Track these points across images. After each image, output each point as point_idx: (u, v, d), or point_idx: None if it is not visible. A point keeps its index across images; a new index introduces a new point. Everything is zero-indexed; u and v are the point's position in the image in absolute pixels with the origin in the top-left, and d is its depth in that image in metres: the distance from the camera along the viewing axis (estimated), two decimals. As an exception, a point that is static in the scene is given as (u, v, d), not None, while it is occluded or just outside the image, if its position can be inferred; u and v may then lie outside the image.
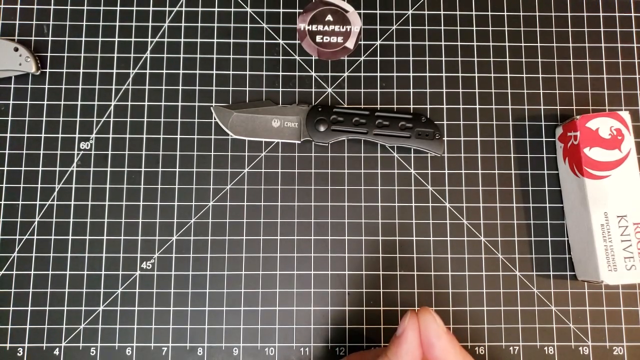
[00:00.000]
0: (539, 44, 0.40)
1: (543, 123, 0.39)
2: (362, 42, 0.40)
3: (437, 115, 0.39)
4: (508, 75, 0.40)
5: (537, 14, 0.40)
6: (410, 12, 0.40)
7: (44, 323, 0.37)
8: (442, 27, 0.40)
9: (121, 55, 0.39)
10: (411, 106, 0.39)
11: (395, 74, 0.40)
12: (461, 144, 0.39)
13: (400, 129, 0.38)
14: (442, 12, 0.40)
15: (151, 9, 0.40)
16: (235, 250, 0.38)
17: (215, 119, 0.39)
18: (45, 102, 0.39)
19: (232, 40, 0.40)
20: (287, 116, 0.38)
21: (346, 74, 0.40)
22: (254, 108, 0.39)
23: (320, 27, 0.40)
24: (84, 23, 0.40)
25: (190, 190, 0.38)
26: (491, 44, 0.40)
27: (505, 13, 0.40)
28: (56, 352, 0.36)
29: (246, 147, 0.39)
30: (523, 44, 0.40)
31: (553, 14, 0.41)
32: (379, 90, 0.39)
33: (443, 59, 0.40)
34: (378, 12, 0.40)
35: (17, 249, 0.37)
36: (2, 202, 0.38)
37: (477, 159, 0.39)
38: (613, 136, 0.35)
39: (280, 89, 0.39)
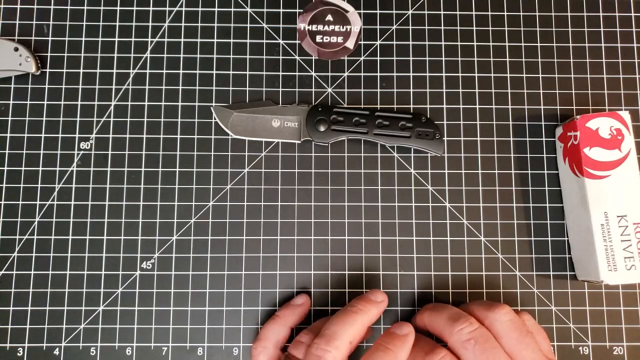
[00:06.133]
0: (539, 44, 0.40)
1: (543, 123, 0.39)
2: (362, 42, 0.40)
3: (437, 115, 0.39)
4: (508, 75, 0.40)
5: (537, 14, 0.40)
6: (410, 12, 0.40)
7: (44, 323, 0.37)
8: (442, 27, 0.40)
9: (121, 55, 0.39)
10: (411, 106, 0.39)
11: (395, 74, 0.40)
12: (461, 144, 0.39)
13: (400, 128, 0.38)
14: (442, 12, 0.40)
15: (151, 9, 0.40)
16: (235, 250, 0.38)
17: (215, 119, 0.39)
18: (45, 102, 0.39)
19: (232, 40, 0.40)
20: (287, 116, 0.38)
21: (346, 74, 0.40)
22: (254, 108, 0.39)
23: (320, 27, 0.40)
24: (84, 23, 0.40)
25: (190, 190, 0.38)
26: (491, 44, 0.40)
27: (505, 13, 0.40)
28: (56, 352, 0.36)
29: (246, 147, 0.39)
30: (523, 44, 0.40)
31: (553, 14, 0.40)
32: (379, 90, 0.39)
33: (443, 59, 0.40)
34: (378, 12, 0.40)
35: (17, 249, 0.37)
36: (2, 202, 0.38)
37: (477, 159, 0.39)
38: (613, 136, 0.35)
39: (280, 89, 0.39)
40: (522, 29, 0.40)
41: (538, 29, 0.40)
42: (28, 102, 0.39)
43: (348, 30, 0.40)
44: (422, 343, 0.31)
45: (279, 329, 0.34)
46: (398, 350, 0.29)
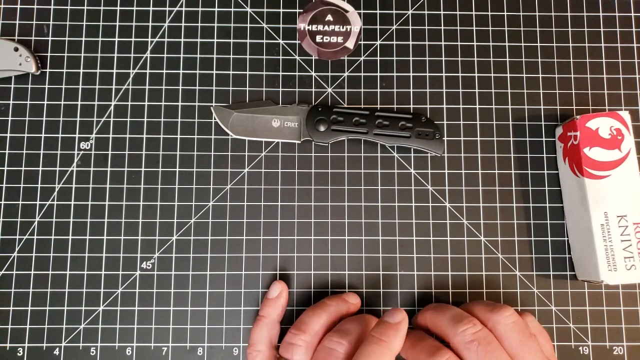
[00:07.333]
0: (539, 44, 0.40)
1: (543, 123, 0.39)
2: (362, 42, 0.40)
3: (437, 115, 0.39)
4: (508, 75, 0.40)
5: (537, 14, 0.40)
6: (410, 12, 0.40)
7: (44, 323, 0.37)
8: (442, 27, 0.40)
9: (121, 55, 0.39)
10: (411, 106, 0.39)
11: (395, 74, 0.40)
12: (461, 144, 0.39)
13: (400, 128, 0.38)
14: (442, 12, 0.40)
15: (151, 9, 0.40)
16: (235, 250, 0.38)
17: (215, 119, 0.39)
18: (45, 102, 0.39)
19: (232, 40, 0.40)
20: (287, 116, 0.38)
21: (346, 74, 0.40)
22: (254, 108, 0.39)
23: (320, 27, 0.40)
24: (84, 23, 0.40)
25: (190, 190, 0.38)
26: (491, 44, 0.40)
27: (505, 13, 0.40)
28: (56, 352, 0.36)
29: (246, 147, 0.39)
30: (523, 44, 0.40)
31: (553, 14, 0.41)
32: (379, 90, 0.39)
33: (443, 59, 0.40)
34: (378, 12, 0.40)
35: (17, 249, 0.37)
36: (2, 202, 0.38)
37: (477, 159, 0.39)
38: (613, 136, 0.35)
39: (280, 89, 0.39)
40: (522, 29, 0.40)
41: (538, 29, 0.40)
42: (28, 102, 0.39)
43: (348, 30, 0.40)
44: (425, 343, 0.31)
45: (268, 329, 0.34)
46: (392, 341, 0.29)
